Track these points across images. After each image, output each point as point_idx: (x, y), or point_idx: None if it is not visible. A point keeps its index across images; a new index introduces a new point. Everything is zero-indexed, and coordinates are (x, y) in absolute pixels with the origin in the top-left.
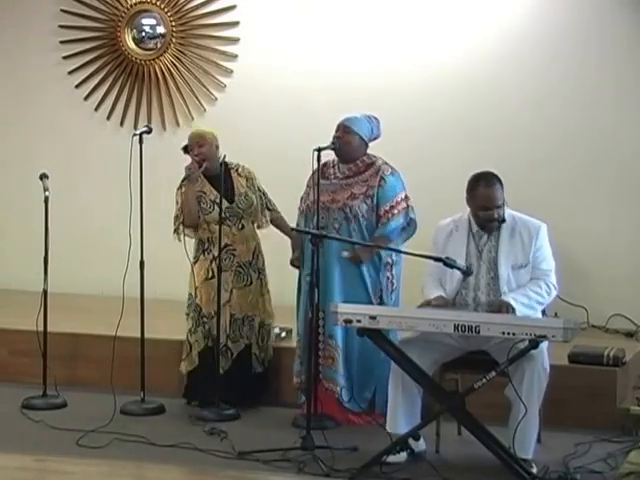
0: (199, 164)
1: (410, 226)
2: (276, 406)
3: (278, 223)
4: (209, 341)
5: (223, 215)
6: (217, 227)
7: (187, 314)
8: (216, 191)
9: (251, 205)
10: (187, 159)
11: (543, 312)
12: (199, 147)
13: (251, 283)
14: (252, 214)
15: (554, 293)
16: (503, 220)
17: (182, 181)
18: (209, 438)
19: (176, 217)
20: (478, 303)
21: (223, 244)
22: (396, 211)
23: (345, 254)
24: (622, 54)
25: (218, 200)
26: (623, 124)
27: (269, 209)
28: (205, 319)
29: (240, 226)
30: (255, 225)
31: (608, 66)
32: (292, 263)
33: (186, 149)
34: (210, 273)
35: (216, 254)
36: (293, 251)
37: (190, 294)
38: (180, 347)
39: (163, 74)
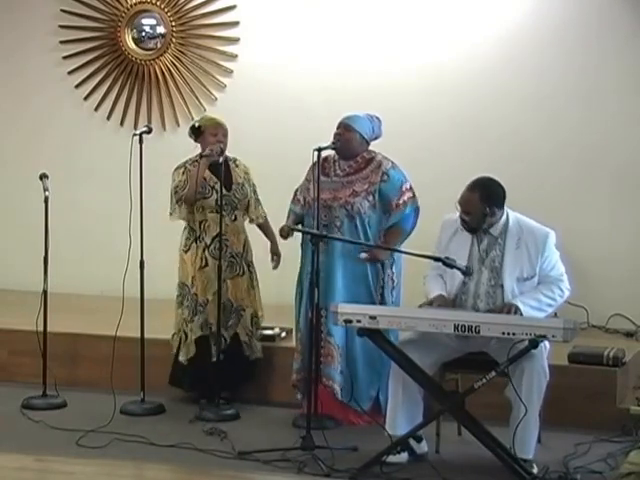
0: (221, 150)
1: (416, 214)
2: (276, 406)
3: (263, 225)
4: (205, 329)
5: (219, 203)
6: (211, 214)
7: (180, 303)
8: (216, 178)
9: (246, 196)
10: (187, 141)
11: None
12: (224, 136)
13: (243, 274)
14: (245, 207)
15: (567, 295)
16: (474, 229)
17: (188, 162)
18: (209, 438)
19: (176, 192)
20: (477, 311)
21: (214, 234)
22: (402, 201)
23: (363, 255)
24: (623, 53)
25: (217, 187)
26: (623, 124)
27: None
28: (201, 308)
29: (233, 217)
30: (247, 219)
31: (608, 66)
32: (280, 232)
33: (198, 130)
34: (204, 262)
35: (208, 242)
36: (287, 218)
37: (184, 284)
38: None
39: (163, 74)
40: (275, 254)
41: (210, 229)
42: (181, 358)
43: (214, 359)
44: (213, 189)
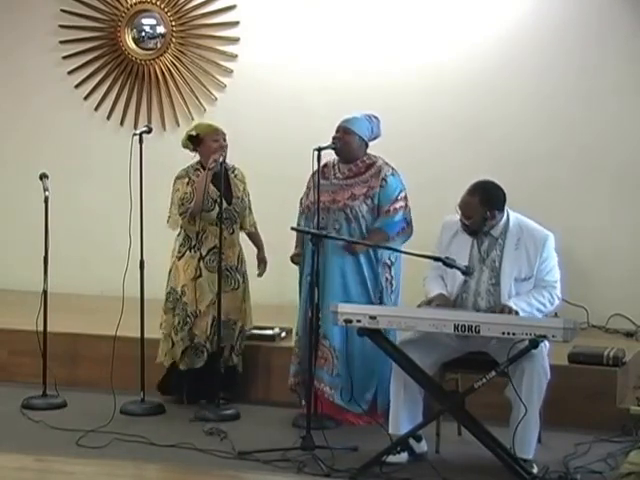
0: (223, 158)
1: (406, 229)
2: (276, 406)
3: (253, 233)
4: (189, 342)
5: (220, 216)
6: (211, 226)
7: (172, 309)
8: (217, 190)
9: (244, 209)
10: (181, 151)
11: None
12: (224, 140)
13: (238, 287)
14: (242, 218)
15: (557, 303)
16: (474, 232)
17: (190, 171)
18: (209, 438)
19: (182, 204)
20: (477, 309)
21: (211, 245)
22: (393, 208)
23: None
24: (622, 53)
25: (219, 200)
26: (623, 123)
27: None
28: (189, 319)
29: (231, 230)
30: (239, 228)
31: (608, 65)
32: (292, 259)
33: (196, 139)
34: (198, 272)
35: (204, 253)
36: (296, 247)
37: (174, 290)
38: None
39: (163, 74)
40: (262, 261)
41: (207, 240)
42: (164, 362)
43: (222, 370)
44: (216, 203)
